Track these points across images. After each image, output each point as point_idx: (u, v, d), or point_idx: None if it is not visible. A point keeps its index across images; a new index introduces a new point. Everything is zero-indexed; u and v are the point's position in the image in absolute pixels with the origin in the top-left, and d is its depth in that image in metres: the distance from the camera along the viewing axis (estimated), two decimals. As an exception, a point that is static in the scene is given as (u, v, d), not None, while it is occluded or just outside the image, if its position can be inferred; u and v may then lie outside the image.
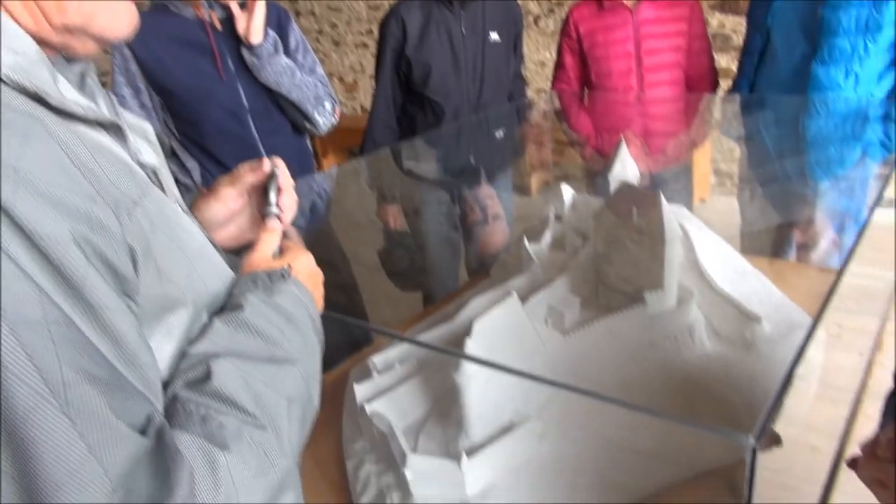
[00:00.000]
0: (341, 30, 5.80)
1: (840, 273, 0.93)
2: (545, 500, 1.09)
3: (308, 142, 2.04)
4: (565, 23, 2.35)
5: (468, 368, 1.08)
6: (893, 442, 0.81)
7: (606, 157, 1.74)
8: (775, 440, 1.18)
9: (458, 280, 2.37)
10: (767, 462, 1.34)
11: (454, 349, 1.08)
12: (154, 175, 0.71)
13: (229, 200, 0.88)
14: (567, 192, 1.81)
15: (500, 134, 2.27)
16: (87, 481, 0.48)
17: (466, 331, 1.18)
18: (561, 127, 2.58)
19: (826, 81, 1.93)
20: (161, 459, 0.53)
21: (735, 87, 2.18)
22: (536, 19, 4.81)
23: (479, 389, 1.10)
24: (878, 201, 1.29)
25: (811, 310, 1.73)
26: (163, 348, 0.63)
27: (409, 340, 0.88)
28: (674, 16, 2.23)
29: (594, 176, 2.39)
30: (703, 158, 3.94)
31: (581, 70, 2.37)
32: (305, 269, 0.81)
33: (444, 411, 1.24)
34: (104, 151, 0.60)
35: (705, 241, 1.55)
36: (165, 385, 0.62)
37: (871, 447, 0.83)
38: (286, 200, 0.88)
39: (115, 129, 0.67)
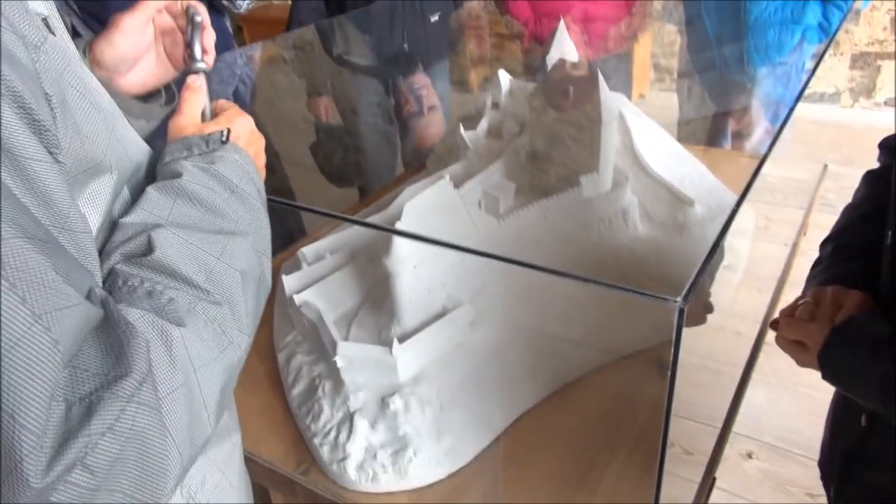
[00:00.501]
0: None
1: (762, 161, 0.92)
2: (477, 385, 1.08)
3: (228, 23, 1.89)
4: None
5: (399, 252, 1.04)
6: (810, 305, 0.82)
7: (545, 46, 1.68)
8: (707, 308, 1.21)
9: (395, 174, 2.30)
10: (693, 347, 1.38)
11: (385, 226, 1.03)
12: (45, 24, 0.59)
13: (133, 32, 0.73)
14: (504, 78, 1.74)
15: (434, 18, 2.14)
16: (35, 352, 0.39)
17: (398, 216, 1.13)
18: (503, 19, 2.46)
19: (769, -40, 1.88)
20: (112, 332, 0.45)
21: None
22: None
23: (411, 275, 1.07)
24: (800, 97, 1.28)
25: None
26: (88, 219, 0.53)
27: (337, 217, 0.82)
28: None
29: (534, 65, 2.31)
30: (643, 53, 3.88)
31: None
32: (245, 132, 0.70)
33: (376, 301, 1.21)
34: None
35: (643, 127, 1.52)
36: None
37: (790, 310, 0.85)
38: (207, 42, 0.74)
39: None
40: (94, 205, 0.55)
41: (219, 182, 0.61)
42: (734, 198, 1.55)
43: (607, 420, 1.11)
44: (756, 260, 1.54)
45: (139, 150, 0.63)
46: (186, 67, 0.74)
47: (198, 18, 0.74)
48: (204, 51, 0.74)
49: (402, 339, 1.06)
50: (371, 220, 1.30)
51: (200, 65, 0.74)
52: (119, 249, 0.54)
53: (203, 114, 0.71)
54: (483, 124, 1.66)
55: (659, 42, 3.96)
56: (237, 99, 1.85)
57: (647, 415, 1.20)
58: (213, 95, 1.97)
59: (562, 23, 1.59)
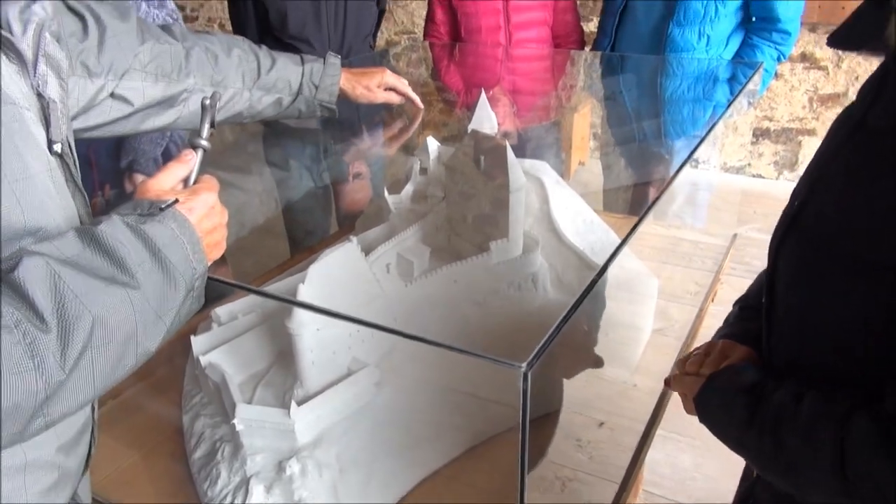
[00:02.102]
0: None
1: (638, 222, 0.99)
2: (381, 447, 1.08)
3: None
4: (436, -25, 2.32)
5: (301, 316, 1.05)
6: (701, 355, 0.86)
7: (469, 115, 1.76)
8: (598, 362, 1.25)
9: (329, 234, 2.31)
10: (624, 409, 1.40)
11: (286, 296, 1.04)
12: (46, 106, 0.69)
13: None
14: (433, 144, 1.79)
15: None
16: None
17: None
18: (435, 85, 2.55)
19: (681, 42, 2.01)
20: None
21: (596, 46, 2.23)
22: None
23: (314, 337, 1.07)
24: (684, 164, 1.37)
25: (655, 261, 1.83)
26: None
27: (224, 282, 0.83)
28: (541, -27, 2.25)
29: (464, 133, 2.39)
30: (583, 123, 4.04)
31: (452, 24, 2.36)
32: (202, 208, 0.73)
33: (285, 363, 1.21)
34: None
35: (560, 194, 1.58)
36: None
37: (683, 360, 0.89)
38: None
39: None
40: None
41: (140, 240, 0.66)
42: (640, 264, 1.61)
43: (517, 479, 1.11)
44: (686, 323, 1.59)
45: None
46: (191, 140, 0.82)
47: (206, 102, 0.82)
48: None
49: (303, 402, 1.06)
50: (286, 282, 1.31)
51: (202, 142, 0.81)
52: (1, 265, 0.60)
53: (186, 183, 0.77)
54: (408, 188, 1.70)
55: (598, 113, 4.14)
56: (167, 158, 1.86)
57: (555, 472, 1.21)
58: (140, 155, 1.95)
59: (483, 94, 1.66)
